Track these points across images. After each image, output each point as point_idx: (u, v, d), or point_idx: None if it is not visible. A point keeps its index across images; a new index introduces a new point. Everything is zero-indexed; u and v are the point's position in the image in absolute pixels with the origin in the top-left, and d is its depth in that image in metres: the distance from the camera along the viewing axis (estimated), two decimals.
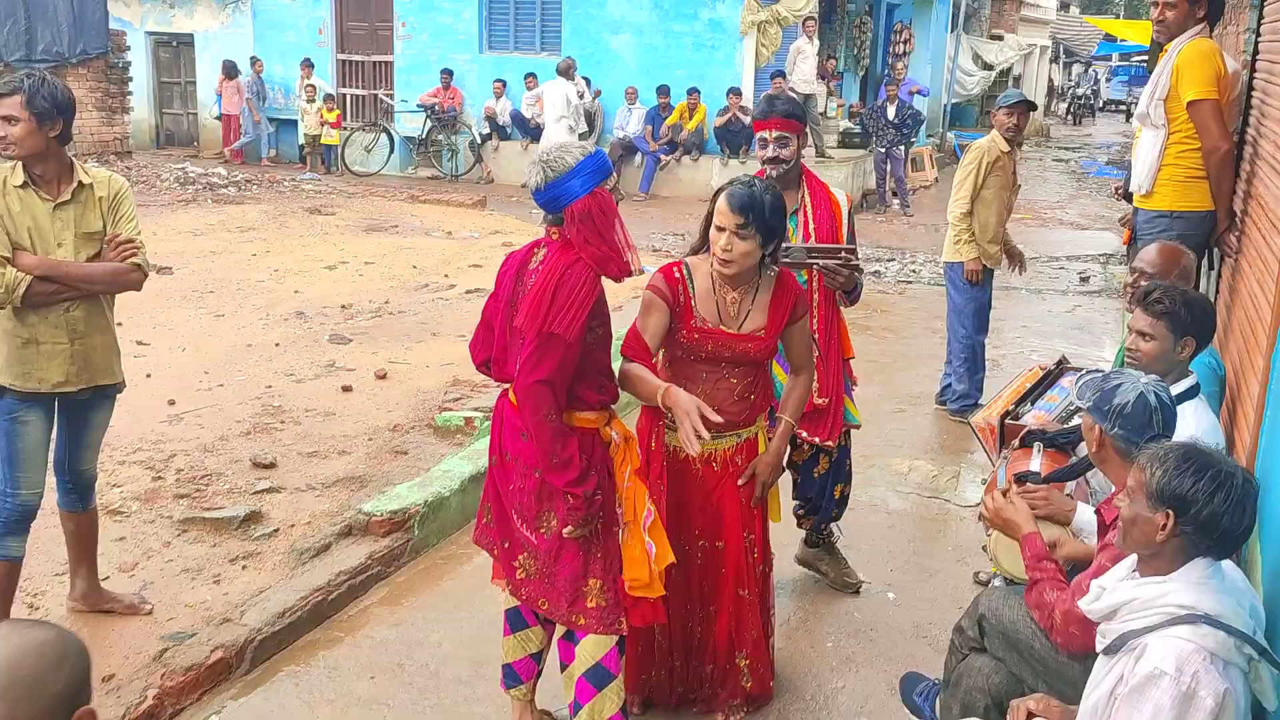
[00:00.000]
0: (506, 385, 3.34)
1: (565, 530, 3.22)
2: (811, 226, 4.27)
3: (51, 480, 4.02)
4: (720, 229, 3.43)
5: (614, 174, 3.22)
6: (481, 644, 4.23)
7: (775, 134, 4.19)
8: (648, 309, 3.55)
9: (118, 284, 3.92)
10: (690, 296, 3.53)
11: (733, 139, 16.17)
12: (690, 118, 16.53)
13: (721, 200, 3.43)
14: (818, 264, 4.09)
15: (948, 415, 7.04)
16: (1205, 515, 2.42)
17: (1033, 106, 7.07)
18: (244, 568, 4.65)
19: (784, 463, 3.87)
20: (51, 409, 3.93)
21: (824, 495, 4.57)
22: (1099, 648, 2.61)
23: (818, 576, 4.83)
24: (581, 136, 15.78)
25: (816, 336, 4.20)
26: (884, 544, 5.26)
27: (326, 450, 5.84)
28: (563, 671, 3.44)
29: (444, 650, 4.28)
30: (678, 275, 3.56)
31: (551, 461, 3.13)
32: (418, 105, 17.82)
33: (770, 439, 3.74)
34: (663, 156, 16.55)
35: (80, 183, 3.84)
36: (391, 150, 18.22)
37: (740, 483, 3.68)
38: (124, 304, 4.74)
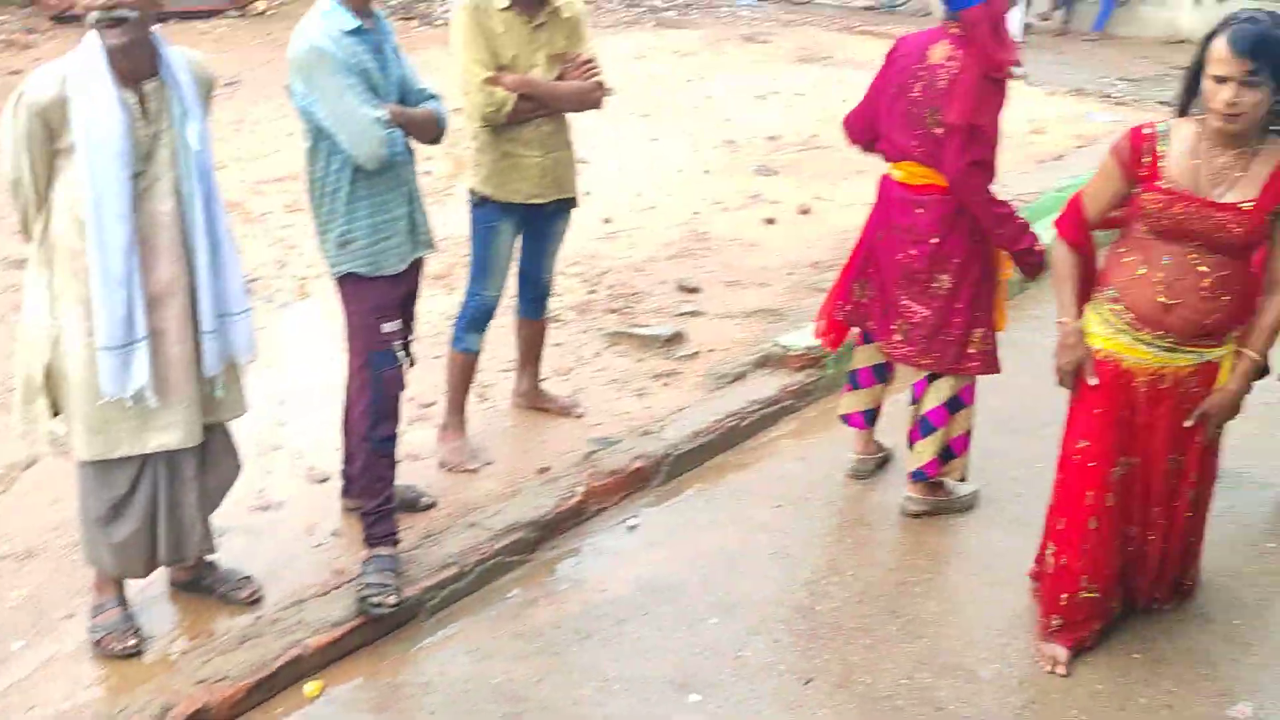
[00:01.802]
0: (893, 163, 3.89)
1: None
2: None
3: (511, 289, 4.37)
4: (1221, 79, 2.98)
5: None
6: (888, 487, 4.25)
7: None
8: (1100, 175, 3.31)
9: (583, 102, 4.13)
10: (1158, 156, 3.13)
11: None
12: None
13: (1220, 44, 2.96)
14: None
15: None
16: None
17: None
18: (665, 385, 4.89)
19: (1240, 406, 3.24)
20: (519, 221, 4.22)
21: None
22: None
23: None
24: None
25: None
26: None
27: (747, 281, 5.96)
28: (915, 406, 4.04)
29: (850, 491, 4.34)
30: (1146, 132, 3.19)
31: (1002, 226, 3.78)
32: None
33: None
34: None
35: (553, 4, 4.01)
36: None
37: (1186, 424, 3.25)
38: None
